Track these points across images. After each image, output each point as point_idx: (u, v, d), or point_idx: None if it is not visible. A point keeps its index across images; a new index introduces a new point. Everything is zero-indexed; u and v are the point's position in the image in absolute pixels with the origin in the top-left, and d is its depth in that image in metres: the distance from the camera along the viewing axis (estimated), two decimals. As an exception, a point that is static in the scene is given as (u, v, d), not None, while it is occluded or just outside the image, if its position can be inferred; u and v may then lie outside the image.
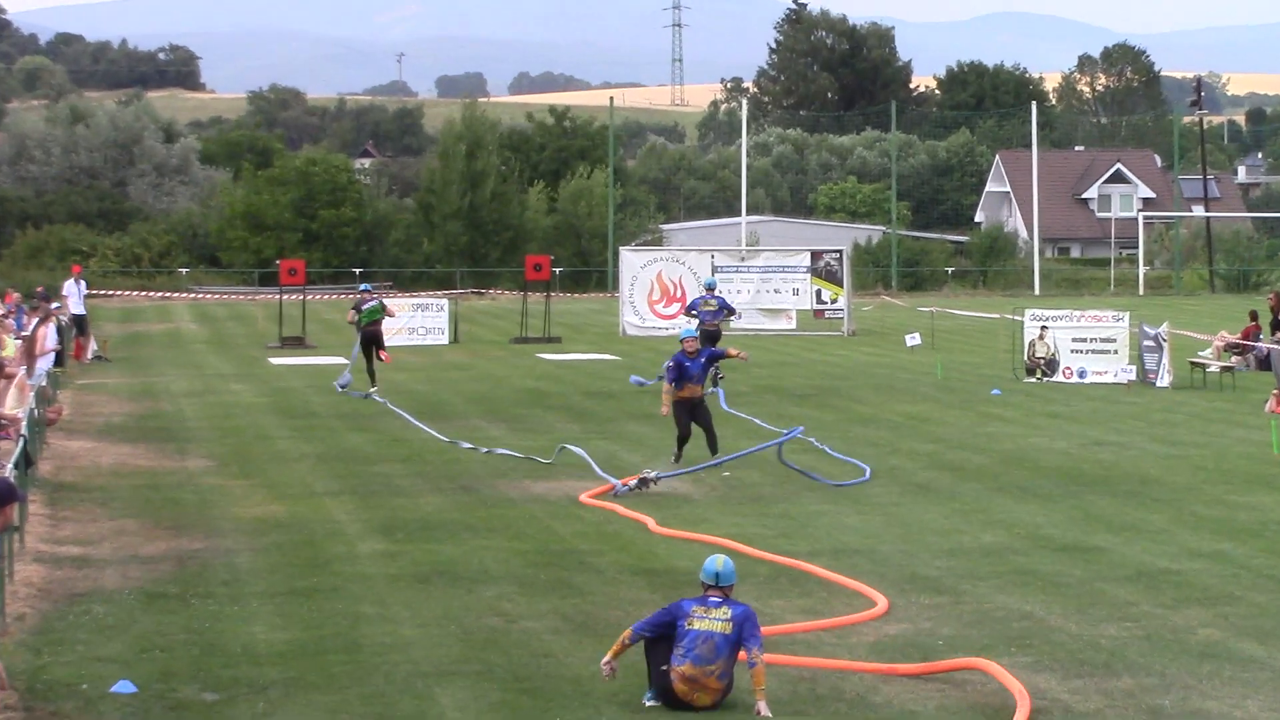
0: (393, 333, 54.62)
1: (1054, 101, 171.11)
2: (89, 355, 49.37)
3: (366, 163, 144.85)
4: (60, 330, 43.63)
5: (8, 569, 18.36)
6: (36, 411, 28.29)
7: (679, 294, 61.17)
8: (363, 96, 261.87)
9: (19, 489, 18.44)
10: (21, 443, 22.98)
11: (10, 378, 30.26)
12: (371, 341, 40.45)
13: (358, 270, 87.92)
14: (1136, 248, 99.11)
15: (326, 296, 77.38)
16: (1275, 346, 43.68)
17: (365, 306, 40.75)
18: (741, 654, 14.80)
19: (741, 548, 21.31)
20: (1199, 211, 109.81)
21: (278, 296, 59.99)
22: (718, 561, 15.28)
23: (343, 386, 40.42)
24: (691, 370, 28.56)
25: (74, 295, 51.71)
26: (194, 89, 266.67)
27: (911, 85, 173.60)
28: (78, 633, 17.32)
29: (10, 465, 21.60)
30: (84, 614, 18.12)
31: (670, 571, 20.34)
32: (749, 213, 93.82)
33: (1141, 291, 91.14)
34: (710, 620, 14.84)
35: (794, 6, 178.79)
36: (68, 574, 20.06)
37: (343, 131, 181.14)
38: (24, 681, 15.43)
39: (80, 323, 50.52)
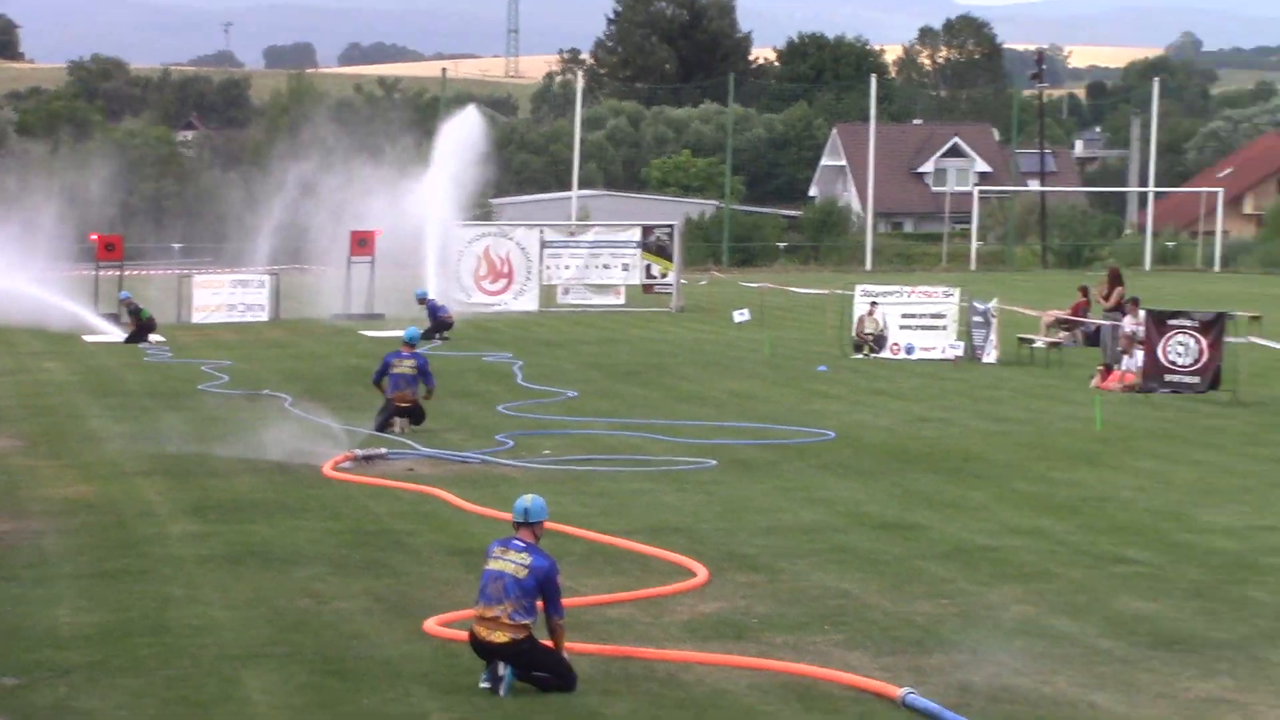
0: (211, 309, 55.10)
1: (894, 74, 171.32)
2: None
3: (190, 135, 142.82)
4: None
5: None
6: None
7: (506, 270, 60.92)
8: (188, 67, 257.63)
9: None
10: None
11: None
12: None
13: (176, 246, 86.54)
14: (970, 222, 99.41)
15: (140, 272, 75.94)
16: (1104, 323, 44.15)
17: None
18: (540, 602, 14.71)
19: (558, 526, 21.07)
20: (1035, 186, 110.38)
21: (108, 273, 56.97)
22: (527, 499, 15.20)
23: None
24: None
25: None
26: (13, 59, 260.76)
27: (751, 57, 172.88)
28: None
29: None
30: (-123, 596, 17.67)
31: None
32: (581, 187, 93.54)
33: (974, 267, 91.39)
34: (504, 561, 14.77)
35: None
36: None
37: (166, 103, 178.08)
38: None
39: None
